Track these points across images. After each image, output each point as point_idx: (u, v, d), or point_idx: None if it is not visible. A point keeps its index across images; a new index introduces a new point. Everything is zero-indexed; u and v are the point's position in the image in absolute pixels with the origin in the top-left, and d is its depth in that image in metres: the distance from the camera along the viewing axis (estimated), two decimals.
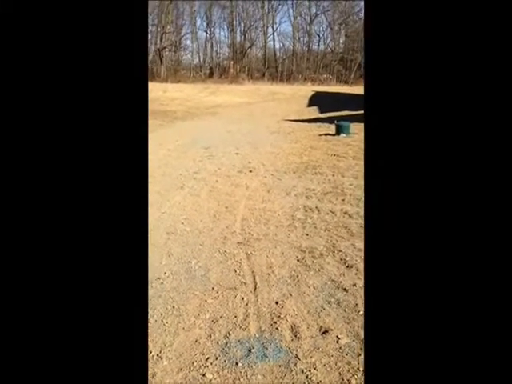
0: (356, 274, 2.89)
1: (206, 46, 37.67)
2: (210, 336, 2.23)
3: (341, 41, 36.92)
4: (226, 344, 2.17)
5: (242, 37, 36.93)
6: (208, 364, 2.02)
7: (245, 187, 5.14)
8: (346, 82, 30.86)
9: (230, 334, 2.24)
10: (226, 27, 38.21)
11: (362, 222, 3.82)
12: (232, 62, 35.81)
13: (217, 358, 2.06)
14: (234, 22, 36.60)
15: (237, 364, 2.02)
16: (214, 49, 37.79)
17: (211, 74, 35.01)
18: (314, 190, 4.98)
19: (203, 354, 2.09)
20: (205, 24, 38.52)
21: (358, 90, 20.37)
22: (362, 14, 32.57)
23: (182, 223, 3.92)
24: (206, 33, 37.70)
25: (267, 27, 37.04)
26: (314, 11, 35.95)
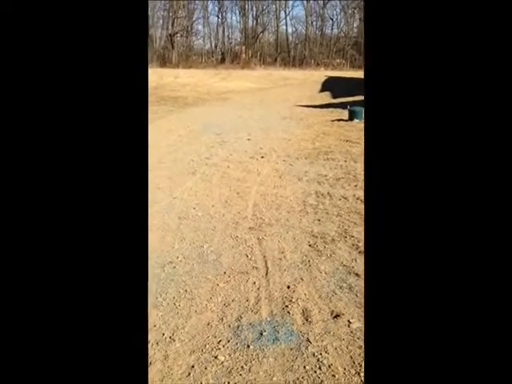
0: None
1: (217, 31, 37.43)
2: (222, 319, 2.25)
3: (354, 25, 36.30)
4: (238, 327, 2.18)
5: (254, 21, 36.54)
6: (220, 346, 2.05)
7: (256, 173, 5.13)
8: (359, 67, 30.35)
9: (241, 318, 2.26)
10: (237, 12, 37.83)
11: None
12: (244, 47, 35.50)
13: (229, 341, 2.08)
14: (246, 7, 36.20)
15: (248, 347, 2.04)
16: (226, 34, 37.53)
17: (223, 60, 34.78)
18: (326, 175, 4.95)
19: (215, 337, 2.11)
20: (216, 8, 38.20)
21: None
22: None
23: (194, 208, 3.94)
24: (218, 17, 37.43)
25: (279, 11, 36.58)
26: None
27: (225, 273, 2.75)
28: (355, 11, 35.47)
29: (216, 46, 37.62)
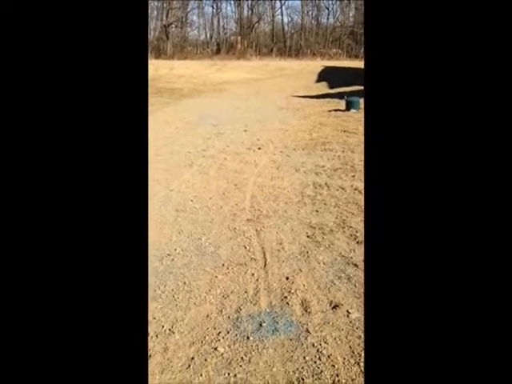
0: None
1: (212, 22, 36.99)
2: (221, 311, 2.25)
3: (350, 14, 35.97)
4: (237, 319, 2.19)
5: (250, 11, 36.16)
6: (220, 338, 2.05)
7: (254, 164, 5.11)
8: (356, 57, 30.16)
9: (240, 309, 2.26)
10: (232, 1, 37.44)
11: None
12: (239, 38, 35.19)
13: (228, 333, 2.09)
14: None
15: (248, 338, 2.04)
16: (221, 24, 37.10)
17: (218, 50, 34.47)
18: (323, 166, 4.94)
19: (215, 329, 2.12)
20: None
21: None
22: None
23: (192, 201, 3.92)
24: (213, 8, 37.03)
25: (275, 1, 36.18)
26: None
27: (223, 265, 2.74)
28: (351, 0, 35.18)
29: (211, 37, 37.26)
